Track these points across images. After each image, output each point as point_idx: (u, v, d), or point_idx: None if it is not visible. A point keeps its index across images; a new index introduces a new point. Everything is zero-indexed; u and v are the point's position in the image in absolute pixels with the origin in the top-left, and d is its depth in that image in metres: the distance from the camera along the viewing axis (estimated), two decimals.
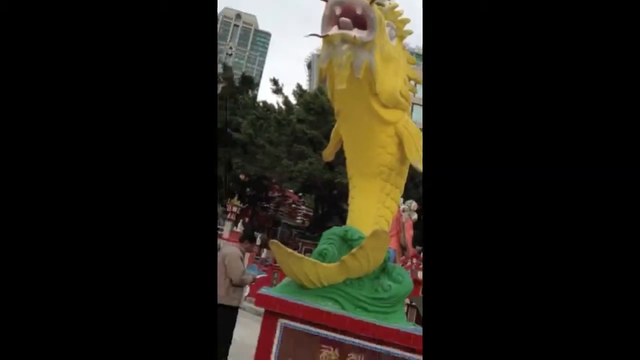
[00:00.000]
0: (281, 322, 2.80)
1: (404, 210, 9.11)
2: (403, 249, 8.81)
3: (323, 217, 18.79)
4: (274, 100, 20.52)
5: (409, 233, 8.88)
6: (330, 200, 18.31)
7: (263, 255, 13.99)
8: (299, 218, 22.05)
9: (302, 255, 3.09)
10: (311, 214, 21.52)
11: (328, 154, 4.03)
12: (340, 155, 4.23)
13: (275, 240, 3.14)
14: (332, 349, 2.79)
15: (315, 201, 21.01)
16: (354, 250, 2.97)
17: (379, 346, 2.79)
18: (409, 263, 10.81)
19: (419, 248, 13.83)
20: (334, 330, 2.81)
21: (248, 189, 20.82)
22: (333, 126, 3.94)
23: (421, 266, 11.05)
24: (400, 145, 3.34)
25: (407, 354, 2.79)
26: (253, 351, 2.78)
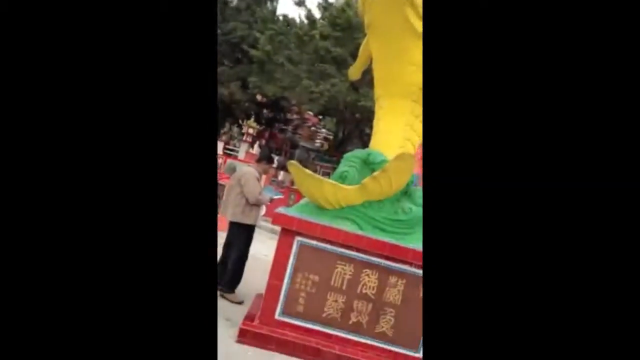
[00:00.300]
0: (298, 239, 2.93)
1: None
2: None
3: (344, 141, 18.72)
4: (296, 13, 19.36)
5: None
6: (353, 124, 18.09)
7: (280, 177, 14.28)
8: (318, 141, 22.04)
9: (321, 177, 3.12)
10: (331, 137, 21.44)
11: (354, 71, 3.87)
12: (366, 75, 4.03)
13: (293, 161, 3.16)
14: (347, 264, 2.94)
15: (336, 124, 20.77)
16: (376, 174, 2.98)
17: (393, 264, 2.92)
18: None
19: None
20: (350, 248, 2.93)
21: (265, 111, 20.62)
22: (360, 44, 3.71)
23: None
24: None
25: (422, 272, 2.92)
26: (268, 265, 2.95)
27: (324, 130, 22.52)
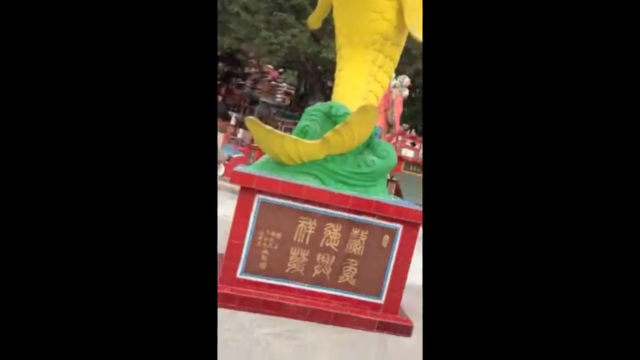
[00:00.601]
0: (259, 197, 2.92)
1: (394, 86, 8.90)
2: (390, 126, 8.84)
3: (306, 95, 18.45)
4: None
5: (398, 110, 8.83)
6: (315, 77, 17.77)
7: (239, 135, 13.99)
8: (278, 96, 21.57)
9: (282, 133, 3.08)
10: (292, 91, 21.04)
11: (314, 20, 3.74)
12: (327, 25, 3.88)
13: (252, 118, 3.09)
14: (310, 220, 2.99)
15: (297, 78, 20.36)
16: (338, 127, 2.97)
17: (357, 216, 3.00)
18: (394, 141, 11.09)
19: (405, 126, 14.03)
20: (313, 203, 2.96)
21: (221, 64, 19.76)
22: None
23: (407, 143, 11.38)
24: (400, 10, 3.11)
25: (385, 222, 3.03)
26: (229, 226, 2.94)
27: (284, 84, 22.00)
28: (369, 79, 3.23)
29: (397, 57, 3.37)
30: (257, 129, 3.07)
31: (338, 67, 3.42)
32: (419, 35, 3.00)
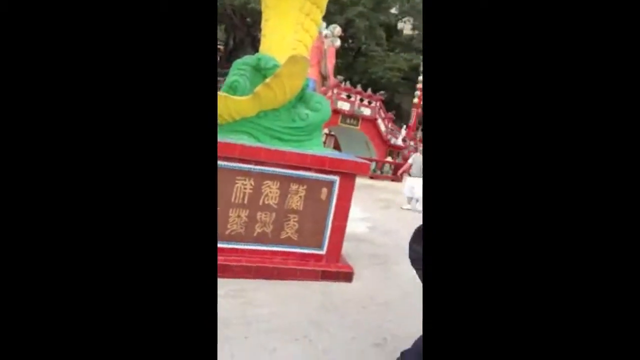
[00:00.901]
0: None
1: (326, 36, 8.73)
2: (324, 78, 8.75)
3: (235, 50, 17.62)
4: None
5: (331, 61, 8.73)
6: (243, 30, 16.93)
7: None
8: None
9: None
10: (221, 47, 19.97)
11: None
12: None
13: None
14: (247, 179, 2.94)
15: (225, 32, 19.31)
16: (268, 80, 2.89)
17: (294, 171, 3.00)
18: (329, 93, 11.05)
19: (340, 77, 13.97)
20: (249, 162, 2.91)
21: None
22: None
23: (342, 96, 11.40)
24: None
25: (322, 175, 3.07)
26: None
27: None
28: (296, 28, 3.13)
29: (324, 4, 3.27)
30: None
31: (264, 16, 3.27)
32: None
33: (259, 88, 2.92)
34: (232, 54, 17.32)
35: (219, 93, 2.97)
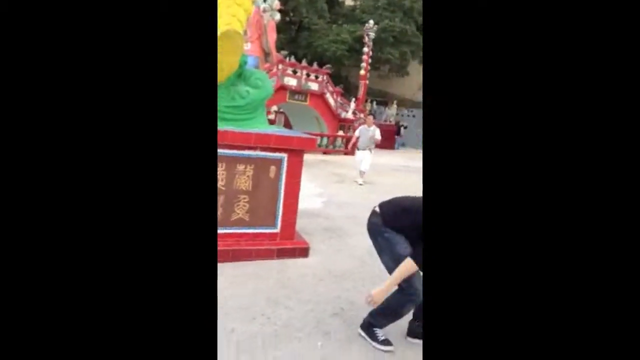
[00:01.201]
0: None
1: (264, 10, 8.49)
2: (266, 54, 8.56)
3: None
4: None
5: (272, 36, 8.52)
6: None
7: None
8: None
9: None
10: None
11: None
12: None
13: None
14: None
15: None
16: None
17: (239, 151, 2.94)
18: (274, 70, 10.83)
19: (284, 52, 13.70)
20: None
21: None
22: None
23: (288, 71, 11.22)
24: None
25: (268, 154, 3.03)
26: None
27: None
28: (229, 3, 3.00)
29: None
30: None
31: None
32: None
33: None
34: None
35: None
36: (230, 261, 2.96)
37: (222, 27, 2.96)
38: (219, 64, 2.82)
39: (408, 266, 1.87)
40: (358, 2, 20.56)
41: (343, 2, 21.10)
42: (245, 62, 3.11)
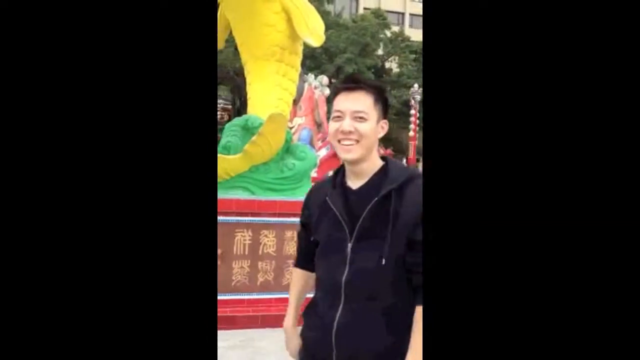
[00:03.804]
0: None
1: (315, 87, 9.02)
2: (319, 125, 8.95)
3: (242, 107, 18.16)
4: None
5: (323, 109, 8.95)
6: (246, 89, 17.49)
7: None
8: (217, 113, 21.09)
9: None
10: (229, 106, 20.67)
11: (217, 41, 3.69)
12: None
13: None
14: (245, 230, 2.94)
15: (230, 92, 20.03)
16: (254, 138, 2.96)
17: (288, 219, 2.99)
18: (328, 138, 11.17)
19: None
20: (245, 214, 2.92)
21: None
22: None
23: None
24: (290, 21, 3.13)
25: None
26: None
27: (220, 101, 21.55)
28: (276, 89, 3.23)
29: (298, 63, 3.40)
30: None
31: (247, 80, 3.40)
32: (312, 41, 3.04)
33: (247, 146, 2.99)
34: (240, 112, 17.85)
35: None
36: (281, 326, 2.90)
37: (271, 109, 3.16)
38: (267, 142, 2.98)
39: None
40: (403, 68, 21.12)
41: (390, 70, 21.81)
42: (291, 138, 3.26)
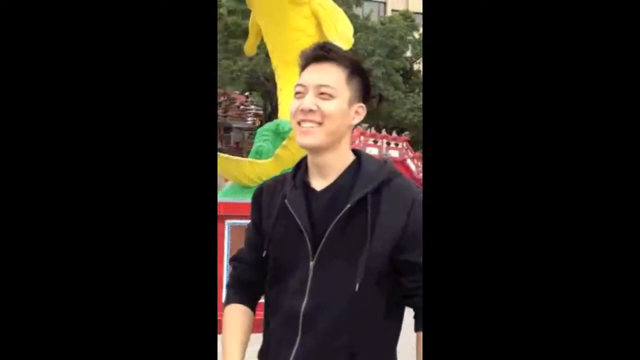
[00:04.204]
0: (228, 222, 2.88)
1: None
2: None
3: (273, 113, 18.43)
4: None
5: None
6: (276, 94, 17.75)
7: None
8: (249, 119, 21.51)
9: (237, 158, 3.09)
10: (261, 111, 21.03)
11: (249, 47, 3.74)
12: None
13: None
14: None
15: (262, 97, 20.38)
16: (285, 142, 2.97)
17: None
18: (357, 142, 11.16)
19: (364, 125, 14.13)
20: None
21: None
22: None
23: (369, 142, 11.45)
24: (319, 25, 3.13)
25: None
26: None
27: (252, 106, 21.94)
28: None
29: None
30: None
31: (278, 86, 3.43)
32: (341, 44, 3.02)
33: (278, 150, 3.01)
34: (271, 117, 18.10)
35: (244, 159, 3.08)
36: None
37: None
38: (298, 147, 2.99)
39: None
40: None
41: (418, 72, 21.50)
42: None
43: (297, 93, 0.82)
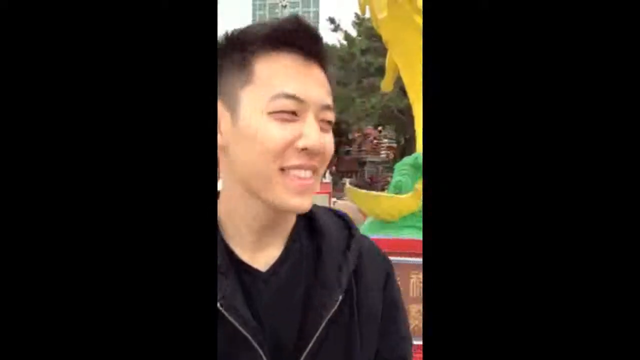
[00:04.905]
0: None
1: None
2: None
3: (407, 146, 18.33)
4: (335, 39, 19.68)
5: None
6: (412, 127, 17.70)
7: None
8: (382, 152, 21.79)
9: (376, 193, 3.13)
10: (394, 144, 21.11)
11: (386, 85, 3.84)
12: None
13: (348, 186, 3.21)
14: (420, 272, 2.83)
15: (395, 131, 20.51)
16: None
17: None
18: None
19: None
20: (419, 255, 2.82)
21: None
22: None
23: None
24: None
25: None
26: None
27: (385, 140, 22.22)
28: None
29: None
30: (355, 194, 3.18)
31: (415, 121, 3.40)
32: None
33: (418, 185, 2.94)
34: (405, 150, 18.01)
35: (384, 194, 3.10)
36: None
37: None
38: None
39: None
40: None
41: None
42: None
43: (281, 112, 0.53)
